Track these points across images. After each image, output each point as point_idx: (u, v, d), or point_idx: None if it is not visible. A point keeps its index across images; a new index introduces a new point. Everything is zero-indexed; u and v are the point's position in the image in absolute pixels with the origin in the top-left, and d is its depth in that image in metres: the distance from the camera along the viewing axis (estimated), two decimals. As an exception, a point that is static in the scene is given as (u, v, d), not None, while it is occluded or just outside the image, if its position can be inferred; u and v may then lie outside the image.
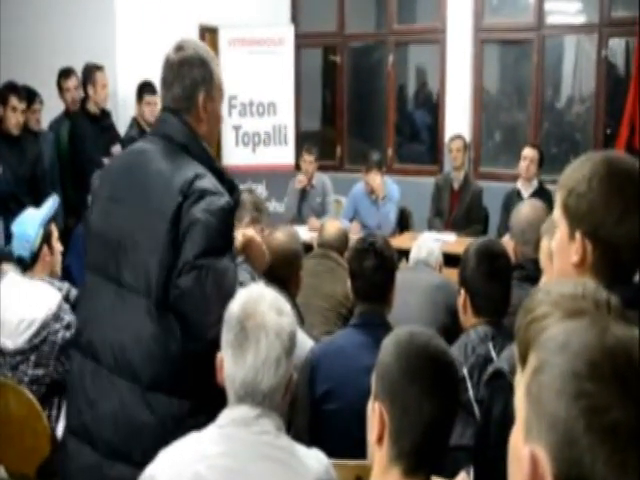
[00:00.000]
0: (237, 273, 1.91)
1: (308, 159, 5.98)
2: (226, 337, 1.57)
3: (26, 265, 2.81)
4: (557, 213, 1.42)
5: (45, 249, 2.85)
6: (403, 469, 1.31)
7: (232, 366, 1.54)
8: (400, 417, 1.32)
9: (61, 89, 5.32)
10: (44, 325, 2.62)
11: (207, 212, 1.85)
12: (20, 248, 2.82)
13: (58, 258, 2.96)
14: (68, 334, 2.66)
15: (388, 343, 1.41)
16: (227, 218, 1.90)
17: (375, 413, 1.35)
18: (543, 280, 1.70)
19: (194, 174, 1.91)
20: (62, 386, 2.70)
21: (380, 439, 1.34)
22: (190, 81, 2.00)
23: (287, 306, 1.61)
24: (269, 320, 1.54)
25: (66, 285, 2.90)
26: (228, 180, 2.03)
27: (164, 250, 1.86)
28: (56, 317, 2.65)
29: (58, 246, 2.95)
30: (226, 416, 1.56)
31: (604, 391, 0.66)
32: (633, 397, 0.66)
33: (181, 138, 1.99)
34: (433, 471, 1.37)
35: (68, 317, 2.69)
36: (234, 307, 1.58)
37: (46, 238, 2.86)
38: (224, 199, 1.90)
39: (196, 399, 1.86)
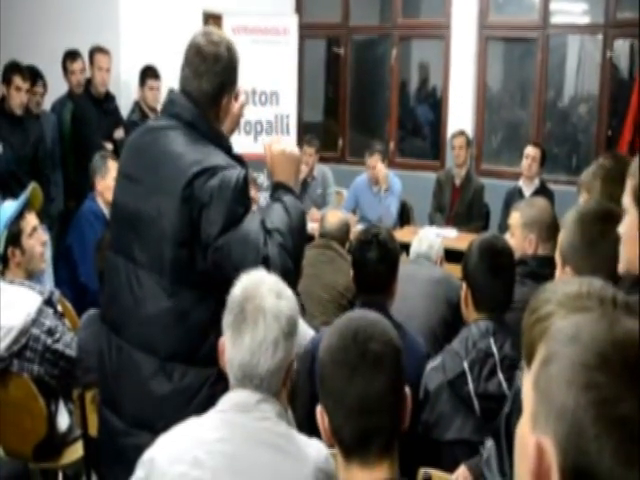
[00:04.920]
0: (258, 224, 1.93)
1: (308, 151, 5.97)
2: (226, 319, 1.58)
3: None
4: (627, 200, 1.42)
5: (12, 250, 2.75)
6: (358, 464, 1.28)
7: (231, 348, 1.56)
8: (333, 412, 1.29)
9: (66, 70, 5.29)
10: (23, 332, 2.58)
11: (221, 187, 1.88)
12: None
13: (34, 253, 2.81)
14: (50, 340, 2.61)
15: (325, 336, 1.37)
16: (242, 187, 1.92)
17: (318, 416, 1.32)
18: (558, 275, 1.73)
19: (203, 152, 1.95)
20: (52, 387, 2.69)
21: (329, 439, 1.31)
22: (220, 82, 2.02)
23: (288, 291, 1.62)
24: (268, 303, 1.55)
25: (48, 288, 2.83)
26: (236, 156, 2.06)
27: (176, 229, 1.91)
28: (36, 323, 2.60)
29: (33, 242, 2.79)
30: (227, 401, 1.56)
31: (614, 383, 0.66)
32: None
33: (189, 117, 2.01)
34: (403, 459, 1.33)
35: (49, 322, 2.64)
36: (236, 290, 1.59)
37: (12, 239, 2.74)
38: (236, 171, 1.93)
39: (213, 368, 1.89)
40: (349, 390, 1.27)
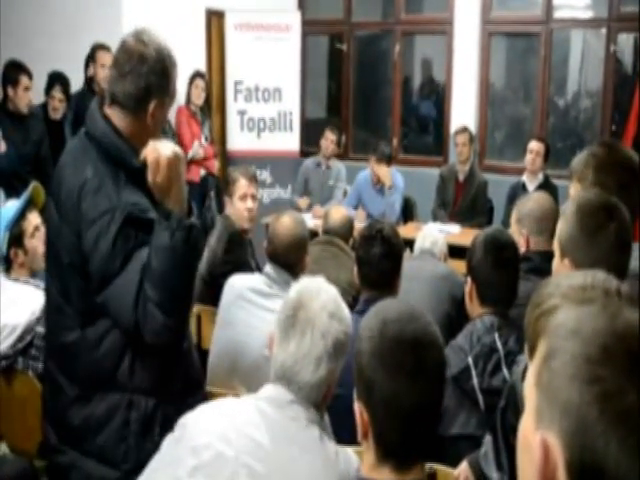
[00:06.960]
0: (137, 281, 1.78)
1: (330, 137, 6.07)
2: (279, 315, 1.59)
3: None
4: None
5: (15, 251, 2.75)
6: (393, 466, 1.27)
7: (277, 346, 1.57)
8: (381, 416, 1.26)
9: (94, 64, 5.22)
10: (28, 330, 2.58)
11: (97, 241, 1.80)
12: None
13: (37, 252, 2.78)
14: None
15: (362, 333, 1.30)
16: (124, 236, 1.79)
17: (357, 413, 1.29)
18: (555, 267, 1.71)
19: (96, 186, 1.83)
20: None
21: (366, 436, 1.29)
22: (146, 85, 1.89)
23: (344, 311, 1.60)
24: (319, 319, 1.55)
25: None
26: (139, 170, 1.86)
27: (77, 261, 1.86)
28: (40, 321, 2.58)
29: (35, 242, 2.77)
30: (264, 391, 1.57)
31: (617, 375, 0.66)
32: None
33: (97, 133, 1.91)
34: (428, 458, 1.34)
35: None
36: (293, 291, 1.60)
37: (14, 240, 2.74)
38: (118, 217, 1.79)
39: (128, 394, 1.90)
40: (405, 401, 1.23)
